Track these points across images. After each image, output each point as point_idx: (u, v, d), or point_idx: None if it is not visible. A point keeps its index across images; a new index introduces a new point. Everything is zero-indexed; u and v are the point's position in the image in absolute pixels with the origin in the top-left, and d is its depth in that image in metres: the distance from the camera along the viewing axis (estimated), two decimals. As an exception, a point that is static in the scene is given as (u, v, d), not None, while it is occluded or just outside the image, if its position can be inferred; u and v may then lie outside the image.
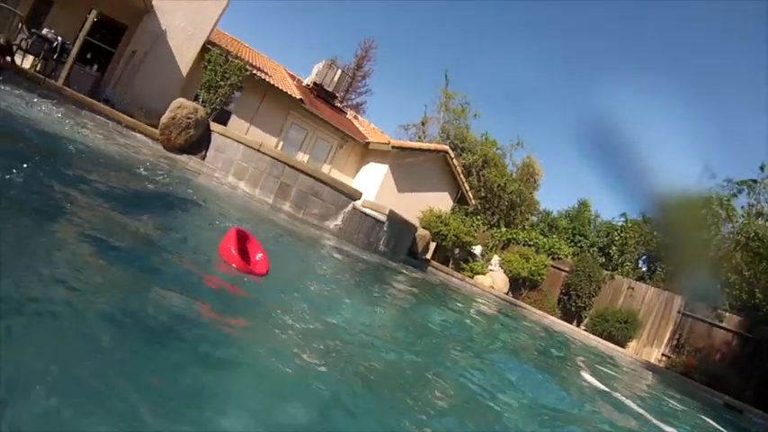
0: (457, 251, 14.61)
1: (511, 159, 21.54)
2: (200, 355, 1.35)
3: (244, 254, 2.39)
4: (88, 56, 10.35)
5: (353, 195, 7.55)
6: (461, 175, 14.24)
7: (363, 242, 7.68)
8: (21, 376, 0.89)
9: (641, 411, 3.64)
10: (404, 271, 7.53)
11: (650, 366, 10.52)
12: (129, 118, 7.52)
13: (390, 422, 1.54)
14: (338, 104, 16.08)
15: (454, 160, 13.88)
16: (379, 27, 49.66)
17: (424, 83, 51.06)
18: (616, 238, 16.60)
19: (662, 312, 12.31)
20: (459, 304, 6.70)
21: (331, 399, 1.45)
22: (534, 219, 21.19)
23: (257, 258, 2.43)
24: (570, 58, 41.09)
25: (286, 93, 12.09)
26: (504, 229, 17.25)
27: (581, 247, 17.67)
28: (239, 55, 11.35)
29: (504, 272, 14.17)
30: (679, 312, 11.96)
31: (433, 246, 13.47)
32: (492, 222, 18.77)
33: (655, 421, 3.44)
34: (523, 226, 19.16)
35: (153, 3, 10.02)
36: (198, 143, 7.27)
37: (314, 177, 7.23)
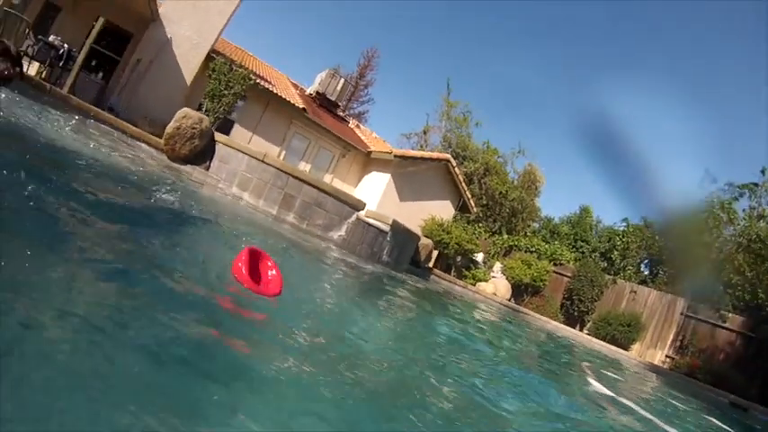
0: (459, 259, 14.61)
1: (512, 167, 21.64)
2: (210, 376, 1.34)
3: (256, 273, 2.38)
4: (93, 63, 10.43)
5: (357, 206, 7.56)
6: (463, 184, 14.27)
7: (367, 252, 7.67)
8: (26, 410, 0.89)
9: (646, 414, 3.63)
10: (408, 281, 7.53)
11: (654, 368, 10.54)
12: (133, 128, 7.55)
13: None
14: (341, 113, 16.15)
15: (456, 169, 13.92)
16: (381, 36, 50.08)
17: (425, 91, 51.39)
18: (618, 243, 16.65)
19: (665, 315, 12.35)
20: (463, 313, 6.70)
21: (342, 412, 1.46)
22: (536, 225, 21.23)
23: (270, 276, 2.41)
24: (570, 63, 41.36)
25: (289, 102, 12.14)
26: (505, 236, 17.26)
27: (583, 252, 17.71)
28: (243, 64, 11.42)
29: (507, 278, 14.18)
30: (682, 314, 12.00)
31: (435, 254, 13.46)
32: (494, 230, 18.79)
33: (661, 424, 3.42)
34: (525, 233, 19.19)
35: (159, 11, 10.10)
36: (202, 153, 7.30)
37: (318, 188, 7.25)
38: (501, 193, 18.98)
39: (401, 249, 8.81)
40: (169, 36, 10.43)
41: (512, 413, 2.30)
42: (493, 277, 14.44)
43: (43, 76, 8.49)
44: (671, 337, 12.01)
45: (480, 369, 3.18)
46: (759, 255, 11.88)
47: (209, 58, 10.74)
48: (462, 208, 15.02)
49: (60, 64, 8.38)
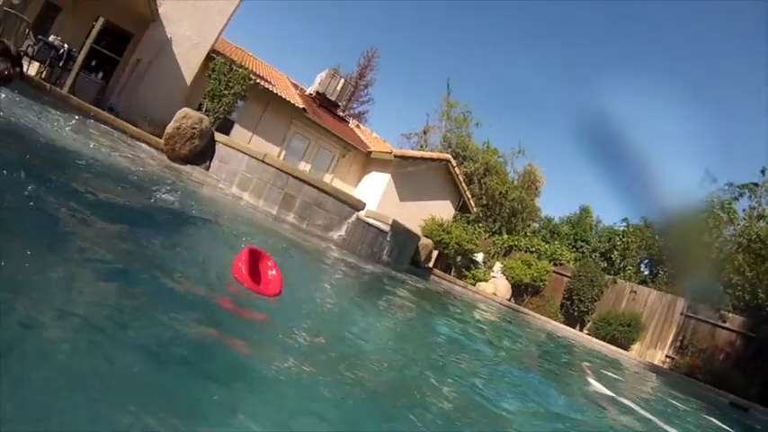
0: (459, 259, 14.62)
1: (512, 167, 21.67)
2: (210, 376, 1.34)
3: (256, 273, 2.38)
4: (93, 63, 10.43)
5: (357, 206, 7.56)
6: (463, 184, 14.28)
7: (367, 252, 7.67)
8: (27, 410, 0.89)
9: (646, 414, 3.64)
10: (408, 281, 7.53)
11: (654, 368, 10.58)
12: (133, 128, 7.55)
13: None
14: (340, 113, 16.16)
15: (456, 169, 13.92)
16: (381, 35, 50.09)
17: (425, 91, 51.42)
18: (618, 243, 16.69)
19: (665, 315, 12.38)
20: (463, 313, 6.70)
21: (342, 412, 1.47)
22: (536, 225, 21.26)
23: (270, 276, 2.41)
24: (570, 63, 41.37)
25: (289, 102, 12.14)
26: (505, 236, 17.27)
27: (583, 252, 17.75)
28: (243, 64, 11.42)
29: (507, 278, 14.19)
30: (682, 314, 12.03)
31: (435, 254, 13.46)
32: (494, 229, 18.80)
33: (661, 424, 3.43)
34: (525, 233, 19.22)
35: (159, 11, 10.10)
36: (202, 153, 7.29)
37: (318, 188, 7.25)
38: (501, 193, 18.99)
39: (401, 249, 8.81)
40: (169, 36, 10.42)
41: (512, 413, 2.31)
42: (493, 277, 14.46)
43: (43, 76, 8.48)
44: (671, 337, 12.04)
45: (480, 369, 3.19)
46: (759, 255, 11.93)
47: (209, 57, 10.74)
48: (462, 208, 15.02)
49: (60, 64, 8.37)
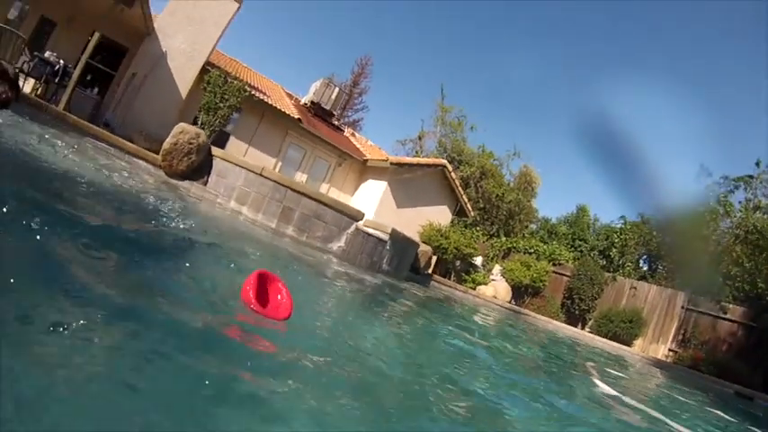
0: (458, 263, 14.66)
1: (508, 169, 21.82)
2: (221, 409, 1.36)
3: (266, 296, 2.40)
4: (88, 78, 10.45)
5: (356, 216, 7.59)
6: (459, 188, 14.35)
7: (367, 262, 7.70)
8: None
9: (653, 412, 3.66)
10: (409, 289, 7.56)
11: (658, 363, 10.66)
12: (130, 144, 7.56)
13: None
14: (336, 122, 16.22)
15: (452, 173, 13.99)
16: (374, 43, 50.35)
17: (420, 98, 51.77)
18: (616, 241, 16.83)
19: (666, 309, 12.50)
20: (466, 319, 6.75)
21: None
22: (533, 226, 21.38)
23: (279, 299, 2.42)
24: (567, 63, 41.65)
25: (284, 112, 12.19)
26: (503, 239, 17.35)
27: (581, 251, 17.86)
28: (238, 75, 11.46)
29: (506, 281, 14.25)
30: (683, 308, 12.14)
31: (434, 259, 13.50)
32: (492, 232, 18.88)
33: (668, 421, 3.46)
34: (523, 234, 19.31)
35: (154, 25, 10.13)
36: (200, 168, 7.31)
37: (316, 200, 7.28)
38: (497, 195, 19.10)
39: (401, 257, 8.84)
40: (164, 50, 10.45)
41: (519, 419, 2.35)
42: (492, 280, 14.51)
43: (38, 92, 8.48)
44: (673, 330, 12.15)
45: (486, 375, 3.22)
46: (757, 245, 12.07)
47: (203, 70, 10.77)
48: (459, 212, 15.08)
49: (56, 80, 8.37)
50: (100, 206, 3.49)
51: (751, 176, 13.70)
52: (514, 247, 16.23)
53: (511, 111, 42.70)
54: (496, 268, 14.94)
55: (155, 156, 7.36)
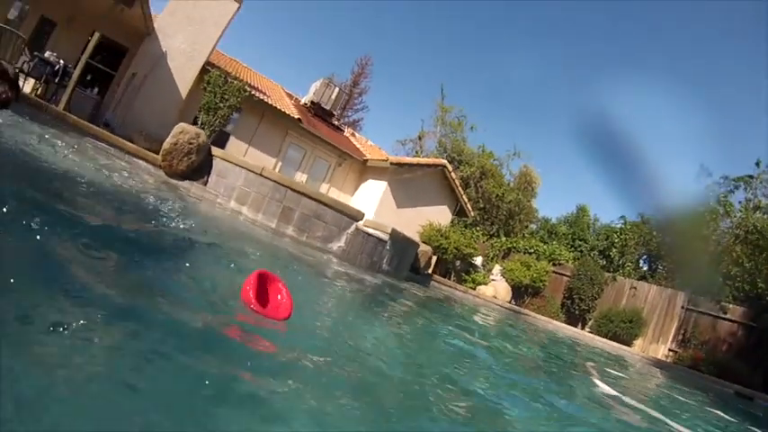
0: (458, 263, 14.66)
1: (508, 169, 21.83)
2: (221, 409, 1.36)
3: (266, 296, 2.40)
4: (88, 78, 10.45)
5: (356, 216, 7.59)
6: (459, 188, 14.35)
7: (367, 262, 7.70)
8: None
9: (653, 413, 3.67)
10: (410, 289, 7.57)
11: (658, 363, 10.67)
12: (130, 144, 7.56)
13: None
14: (336, 122, 16.22)
15: (452, 173, 14.00)
16: (374, 42, 50.35)
17: (420, 98, 51.78)
18: (616, 241, 16.85)
19: (666, 309, 12.51)
20: (466, 319, 6.75)
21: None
22: (533, 226, 21.40)
23: (280, 299, 2.42)
24: (567, 64, 41.65)
25: (284, 112, 12.19)
26: (503, 239, 17.36)
27: (581, 251, 17.87)
28: (238, 75, 11.46)
29: (506, 281, 14.26)
30: (683, 308, 12.15)
31: (434, 259, 13.50)
32: (491, 232, 18.89)
33: (668, 421, 3.46)
34: (523, 234, 19.32)
35: (154, 25, 10.13)
36: (200, 168, 7.31)
37: (316, 200, 7.28)
38: (497, 195, 19.10)
39: (401, 257, 8.84)
40: (164, 50, 10.45)
41: (519, 419, 2.35)
42: (492, 280, 14.52)
43: (38, 92, 8.48)
44: (673, 330, 12.17)
45: (487, 376, 3.22)
46: (757, 245, 12.06)
47: (203, 70, 10.77)
48: (459, 212, 15.09)
49: (56, 80, 8.37)
50: (100, 206, 3.49)
51: (751, 176, 13.71)
52: (514, 247, 16.24)
53: (511, 111, 42.76)
54: (496, 268, 14.95)
55: (155, 156, 7.36)
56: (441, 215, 14.03)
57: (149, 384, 1.34)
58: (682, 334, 11.98)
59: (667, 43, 32.58)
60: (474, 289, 13.75)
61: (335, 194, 13.33)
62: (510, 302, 13.78)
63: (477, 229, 18.30)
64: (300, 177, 12.99)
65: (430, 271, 13.18)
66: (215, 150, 7.71)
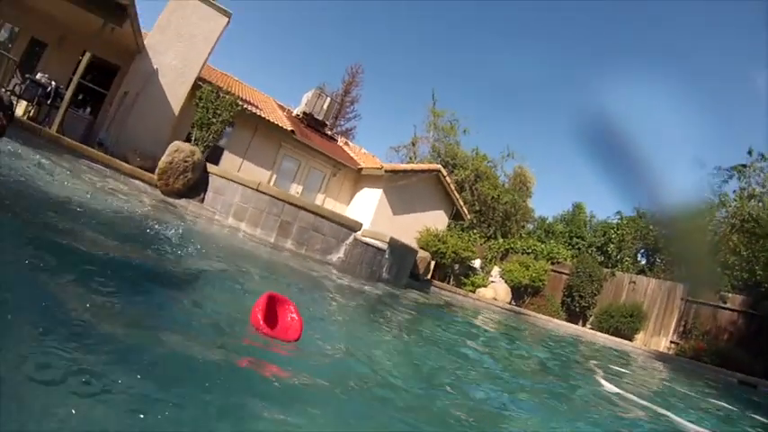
0: (457, 267, 14.69)
1: (502, 170, 21.95)
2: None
3: (275, 318, 2.41)
4: (80, 97, 10.43)
5: (354, 227, 7.62)
6: (455, 192, 14.41)
7: (366, 272, 7.71)
8: None
9: (658, 409, 3.68)
10: (411, 296, 7.58)
11: (661, 356, 10.68)
12: (126, 165, 7.55)
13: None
14: (329, 132, 16.26)
15: (447, 178, 14.05)
16: (363, 50, 50.57)
17: (411, 103, 51.91)
18: (613, 236, 16.95)
19: (665, 302, 12.57)
20: (468, 323, 6.78)
21: None
22: (530, 226, 21.50)
23: (289, 320, 2.44)
24: (561, 62, 41.91)
25: (277, 125, 12.21)
26: (501, 240, 17.43)
27: (579, 248, 17.96)
28: (230, 90, 11.48)
29: (506, 282, 14.30)
30: (683, 299, 12.21)
31: (432, 264, 13.53)
32: (489, 234, 18.96)
33: (672, 416, 3.48)
34: (520, 234, 19.41)
35: (144, 42, 10.15)
36: (196, 186, 7.31)
37: (313, 212, 7.29)
38: (493, 197, 19.19)
39: (400, 265, 8.86)
40: (155, 67, 10.46)
41: (526, 422, 2.38)
42: (492, 282, 14.56)
43: (31, 114, 8.46)
44: (673, 323, 12.22)
45: (493, 379, 3.26)
46: (753, 233, 12.11)
47: (195, 86, 10.77)
48: (456, 216, 15.14)
49: (48, 102, 8.36)
50: (102, 235, 3.48)
51: (744, 165, 13.84)
52: (512, 248, 16.31)
53: (503, 110, 42.95)
54: (495, 270, 15.00)
55: (150, 175, 7.35)
56: (437, 220, 14.07)
57: (158, 411, 1.35)
58: (683, 325, 12.04)
59: (664, 39, 32.94)
60: (474, 292, 13.78)
61: (331, 204, 13.35)
62: (510, 303, 13.82)
63: (475, 231, 18.36)
64: (296, 189, 13.00)
65: (429, 276, 13.19)
66: (210, 167, 7.72)
